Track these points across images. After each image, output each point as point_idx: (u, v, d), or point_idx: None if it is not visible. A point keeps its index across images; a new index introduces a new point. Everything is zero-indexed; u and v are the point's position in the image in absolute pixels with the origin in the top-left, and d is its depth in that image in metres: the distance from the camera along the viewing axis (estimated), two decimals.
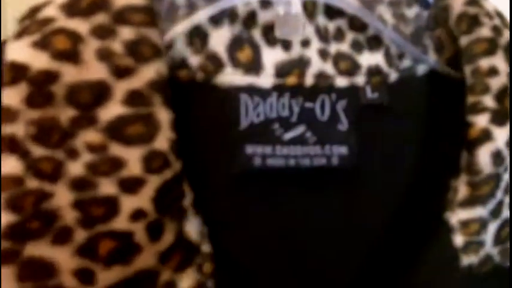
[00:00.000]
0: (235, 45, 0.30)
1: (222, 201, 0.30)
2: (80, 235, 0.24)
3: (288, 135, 0.31)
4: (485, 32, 0.31)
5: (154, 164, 0.25)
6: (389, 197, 0.33)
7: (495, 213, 0.31)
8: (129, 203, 0.25)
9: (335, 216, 0.32)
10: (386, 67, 0.32)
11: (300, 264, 0.31)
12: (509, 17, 0.33)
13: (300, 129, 0.31)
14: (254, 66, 0.30)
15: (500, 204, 0.31)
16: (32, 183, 0.24)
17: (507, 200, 0.31)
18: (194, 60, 0.30)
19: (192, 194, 0.27)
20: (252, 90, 0.31)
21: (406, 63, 0.33)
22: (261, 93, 0.31)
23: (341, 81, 0.32)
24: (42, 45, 0.25)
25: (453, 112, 0.33)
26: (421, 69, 0.33)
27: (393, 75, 0.33)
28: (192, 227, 0.27)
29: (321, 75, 0.31)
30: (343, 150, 0.32)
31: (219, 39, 0.30)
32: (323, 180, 0.32)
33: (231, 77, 0.30)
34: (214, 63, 0.30)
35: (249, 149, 0.31)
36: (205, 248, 0.27)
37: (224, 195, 0.30)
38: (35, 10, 0.26)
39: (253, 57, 0.30)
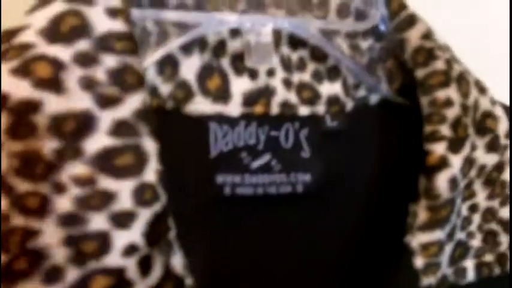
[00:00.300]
0: (205, 73, 0.30)
1: (194, 231, 0.29)
2: (72, 274, 0.23)
3: (256, 164, 0.32)
4: (440, 65, 0.33)
5: (145, 197, 0.25)
6: (351, 221, 0.34)
7: (450, 235, 0.33)
8: (121, 238, 0.24)
9: (302, 241, 0.32)
10: (344, 96, 0.34)
11: (269, 286, 0.31)
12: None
13: (266, 158, 0.32)
14: (223, 94, 0.30)
15: (454, 227, 0.33)
16: (18, 220, 0.23)
17: (459, 222, 0.33)
18: (165, 88, 0.29)
19: (175, 226, 0.27)
20: (221, 118, 0.31)
21: (361, 92, 0.34)
22: (229, 121, 0.31)
23: (303, 110, 0.32)
24: (22, 72, 0.24)
25: (406, 139, 0.35)
26: (374, 99, 0.35)
27: (349, 104, 0.34)
28: (178, 260, 0.26)
29: (285, 104, 0.32)
30: (306, 177, 0.32)
31: (190, 68, 0.30)
32: (289, 206, 0.32)
33: (200, 105, 0.30)
34: (185, 91, 0.30)
35: (220, 179, 0.31)
36: (189, 281, 0.27)
37: (196, 225, 0.30)
38: (9, 34, 0.25)
39: (222, 86, 0.30)
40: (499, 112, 0.35)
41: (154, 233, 0.25)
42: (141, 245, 0.24)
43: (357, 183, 0.34)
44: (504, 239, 0.36)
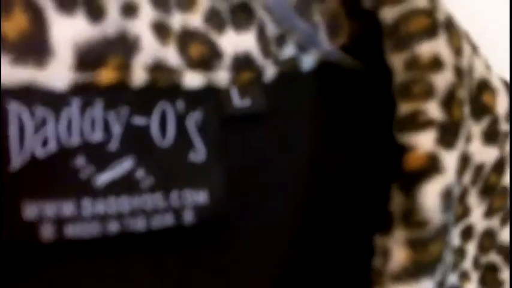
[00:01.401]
0: None
1: None
2: None
3: (104, 178, 0.17)
4: (421, 1, 0.20)
5: None
6: (277, 256, 0.20)
7: (441, 284, 0.20)
8: None
9: None
10: (261, 56, 0.20)
11: None
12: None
13: (125, 165, 0.17)
14: (34, 47, 0.16)
15: (447, 271, 0.20)
16: None
17: (450, 259, 0.21)
18: None
19: None
20: (31, 94, 0.16)
21: (287, 50, 0.21)
22: (49, 99, 0.16)
23: (192, 79, 0.18)
24: None
25: (363, 127, 0.21)
26: (308, 61, 0.21)
27: (270, 70, 0.20)
28: None
29: (158, 67, 0.18)
30: (201, 197, 0.18)
31: None
32: (171, 255, 0.18)
33: None
34: None
35: (31, 210, 0.16)
36: None
37: None
38: None
39: (32, 31, 0.16)
40: (496, 82, 0.22)
41: None
42: None
43: (284, 198, 0.21)
44: (505, 274, 0.23)
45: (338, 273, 0.21)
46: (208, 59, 0.19)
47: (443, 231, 0.19)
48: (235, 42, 0.19)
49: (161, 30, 0.18)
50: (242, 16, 0.19)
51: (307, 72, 0.21)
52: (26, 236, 0.16)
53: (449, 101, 0.19)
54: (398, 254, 0.19)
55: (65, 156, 0.16)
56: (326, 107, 0.21)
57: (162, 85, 0.18)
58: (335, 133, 0.22)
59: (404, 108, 0.19)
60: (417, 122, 0.19)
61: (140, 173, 0.18)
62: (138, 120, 0.18)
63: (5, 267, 0.16)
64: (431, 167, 0.18)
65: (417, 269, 0.19)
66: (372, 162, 0.21)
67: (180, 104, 0.18)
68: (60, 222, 0.16)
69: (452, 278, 0.21)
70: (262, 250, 0.20)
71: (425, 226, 0.18)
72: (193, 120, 0.18)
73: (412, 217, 0.19)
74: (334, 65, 0.21)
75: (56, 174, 0.16)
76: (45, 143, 0.16)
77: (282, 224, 0.20)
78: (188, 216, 0.18)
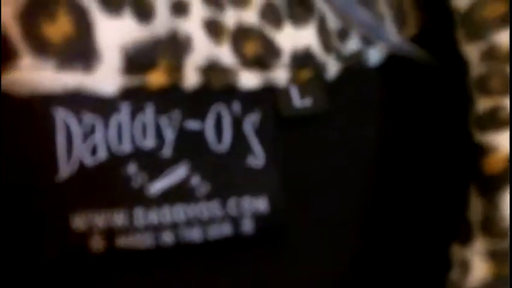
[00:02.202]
0: (36, 9, 0.15)
1: None
2: None
3: (157, 186, 0.16)
4: None
5: None
6: (340, 268, 0.19)
7: None
8: None
9: None
10: (322, 53, 0.18)
11: None
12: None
13: (179, 172, 0.17)
14: (80, 51, 0.15)
15: None
16: None
17: None
18: None
19: None
20: (78, 101, 0.15)
21: (351, 45, 0.19)
22: (97, 105, 0.15)
23: (248, 79, 0.17)
24: None
25: (436, 126, 0.20)
26: (375, 55, 0.20)
27: (333, 67, 0.19)
28: None
29: (212, 68, 0.17)
30: (260, 204, 0.17)
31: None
32: (230, 266, 0.17)
33: (32, 75, 0.15)
34: None
35: (80, 221, 0.15)
36: None
37: None
38: None
39: (77, 34, 0.15)
40: None
41: None
42: None
43: (347, 204, 0.19)
44: None
45: (405, 280, 0.19)
46: (265, 57, 0.18)
47: None
48: (294, 38, 0.18)
49: (214, 28, 0.17)
50: (300, 9, 0.18)
51: (373, 67, 0.20)
52: (76, 248, 0.15)
53: None
54: (479, 267, 0.17)
55: (116, 165, 0.16)
56: (395, 104, 0.20)
57: (216, 87, 0.17)
58: (404, 133, 0.20)
59: (483, 104, 0.17)
60: (498, 120, 0.17)
61: (195, 180, 0.17)
62: (192, 125, 0.17)
63: (54, 280, 0.15)
64: None
65: (498, 283, 0.17)
66: (443, 163, 0.19)
67: (236, 106, 0.17)
68: (111, 233, 0.15)
69: None
70: (324, 260, 0.19)
71: (507, 236, 0.17)
72: (250, 122, 0.17)
73: (493, 227, 0.17)
74: (402, 58, 0.20)
75: (106, 184, 0.16)
76: (94, 151, 0.16)
77: (345, 232, 0.19)
78: (247, 226, 0.17)
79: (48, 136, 0.15)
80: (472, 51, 0.18)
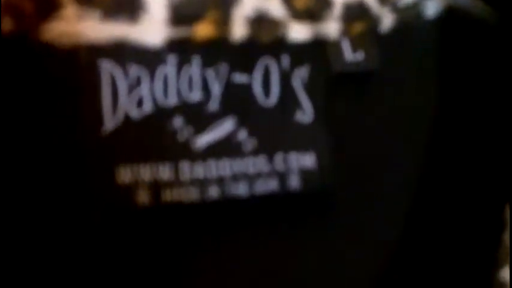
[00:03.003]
0: None
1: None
2: None
3: (203, 140, 0.16)
4: None
5: None
6: (386, 234, 0.18)
7: None
8: None
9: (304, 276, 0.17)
10: (377, 4, 0.18)
11: None
12: None
13: (225, 126, 0.16)
14: (125, 1, 0.15)
15: None
16: None
17: None
18: None
19: None
20: (124, 52, 0.15)
21: None
22: (143, 57, 0.15)
23: (298, 31, 0.17)
24: None
25: (496, 88, 0.19)
26: (433, 7, 0.19)
27: (387, 20, 0.18)
28: None
29: (260, 20, 0.16)
30: (307, 161, 0.17)
31: None
32: (275, 218, 0.17)
33: (77, 25, 0.15)
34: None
35: (125, 174, 0.15)
36: None
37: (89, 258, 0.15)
38: None
39: None
40: None
41: None
42: None
43: (398, 167, 0.18)
44: None
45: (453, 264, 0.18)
46: (316, 9, 0.17)
47: None
48: None
49: None
50: None
51: (431, 20, 0.19)
52: (121, 201, 0.15)
53: None
54: None
55: (162, 117, 0.16)
56: (452, 62, 0.19)
57: (265, 39, 0.16)
58: (462, 94, 0.19)
59: None
60: None
61: (242, 135, 0.16)
62: (239, 78, 0.16)
63: (99, 233, 0.16)
64: None
65: None
66: (503, 134, 0.18)
67: (285, 60, 0.17)
68: (157, 186, 0.15)
69: None
70: (370, 225, 0.18)
71: None
72: (299, 77, 0.17)
73: None
74: (463, 12, 0.19)
75: (152, 137, 0.16)
76: (140, 103, 0.15)
77: (393, 199, 0.18)
78: (294, 182, 0.17)
79: (94, 88, 0.15)
80: None
